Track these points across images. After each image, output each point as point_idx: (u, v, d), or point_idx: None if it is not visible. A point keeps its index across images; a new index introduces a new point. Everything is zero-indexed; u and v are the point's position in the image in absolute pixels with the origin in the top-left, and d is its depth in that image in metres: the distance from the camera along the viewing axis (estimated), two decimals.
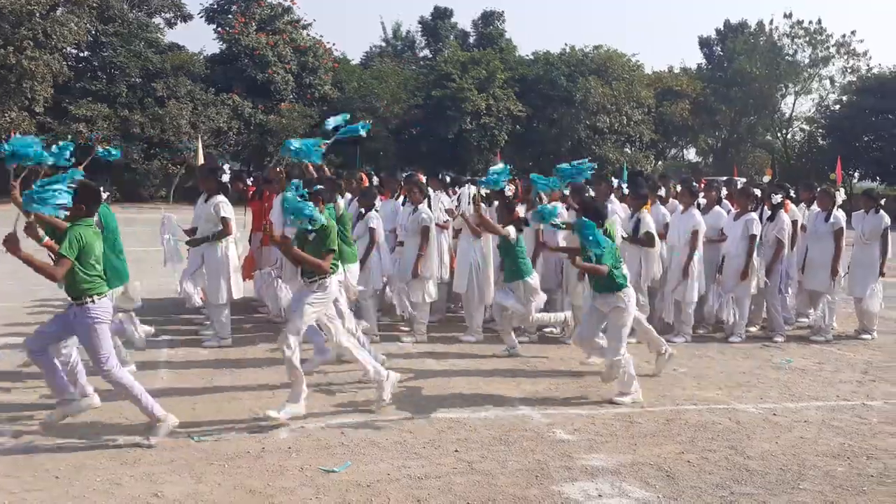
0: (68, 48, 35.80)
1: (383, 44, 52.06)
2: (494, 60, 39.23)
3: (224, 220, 7.46)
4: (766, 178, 24.75)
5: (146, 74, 36.05)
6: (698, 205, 8.79)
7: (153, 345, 7.45)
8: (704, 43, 49.43)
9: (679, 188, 9.00)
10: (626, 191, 8.93)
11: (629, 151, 42.14)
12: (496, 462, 4.71)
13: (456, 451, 4.89)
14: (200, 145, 26.16)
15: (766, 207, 9.01)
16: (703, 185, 9.90)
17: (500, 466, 4.64)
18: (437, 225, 8.48)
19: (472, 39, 47.27)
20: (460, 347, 7.89)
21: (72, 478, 4.22)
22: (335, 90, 39.44)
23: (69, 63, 35.68)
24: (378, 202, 8.33)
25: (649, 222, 8.29)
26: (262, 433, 5.06)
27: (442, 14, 48.25)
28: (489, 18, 46.73)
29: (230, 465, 4.48)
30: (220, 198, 7.59)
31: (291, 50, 38.68)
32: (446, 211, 8.64)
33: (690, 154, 51.51)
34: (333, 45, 43.33)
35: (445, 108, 37.16)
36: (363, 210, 8.07)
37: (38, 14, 32.36)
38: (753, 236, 8.48)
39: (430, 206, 8.34)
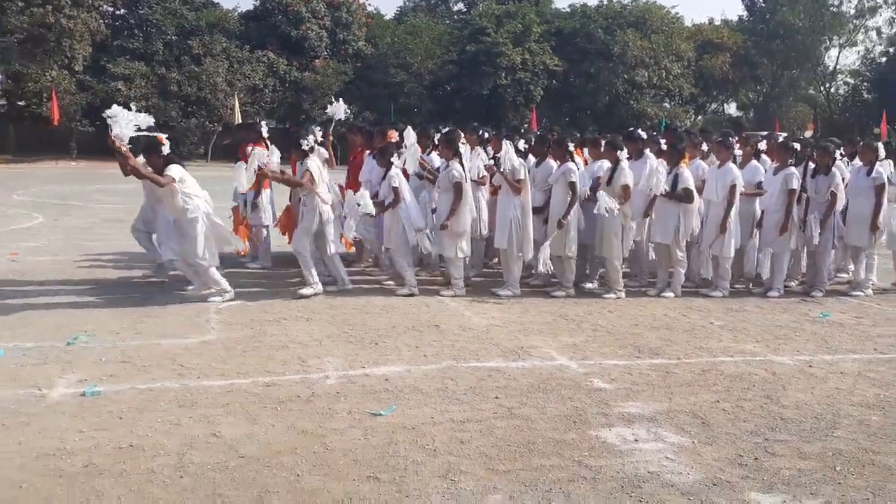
0: (105, 6, 36.15)
1: None
2: (530, 14, 38.76)
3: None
4: (809, 133, 24.26)
5: (182, 32, 36.31)
6: (735, 159, 8.75)
7: (203, 297, 7.71)
8: None
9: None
10: (664, 146, 8.91)
11: (668, 106, 41.60)
12: (535, 408, 4.87)
13: (496, 397, 5.06)
14: (237, 103, 26.31)
15: (809, 162, 8.94)
16: (741, 140, 9.82)
17: (538, 412, 4.80)
18: (473, 180, 8.55)
19: None
20: (498, 301, 8.03)
21: (134, 419, 4.48)
22: (369, 46, 39.32)
23: (106, 21, 36.04)
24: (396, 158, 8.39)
25: (688, 178, 8.30)
26: (311, 380, 5.28)
27: None
28: None
29: (282, 408, 4.70)
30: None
31: (325, 5, 38.57)
32: (485, 167, 8.70)
33: (731, 109, 50.63)
34: (367, 0, 43.11)
35: (480, 64, 36.91)
36: (385, 169, 8.19)
37: None
38: (793, 191, 8.44)
39: (461, 162, 8.38)
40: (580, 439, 4.38)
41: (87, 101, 33.36)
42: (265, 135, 9.67)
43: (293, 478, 3.79)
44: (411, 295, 8.14)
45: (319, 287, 8.03)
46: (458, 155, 8.23)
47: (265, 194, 9.52)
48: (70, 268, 9.24)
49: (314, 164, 8.05)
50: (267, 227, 9.72)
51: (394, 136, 9.38)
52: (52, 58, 32.95)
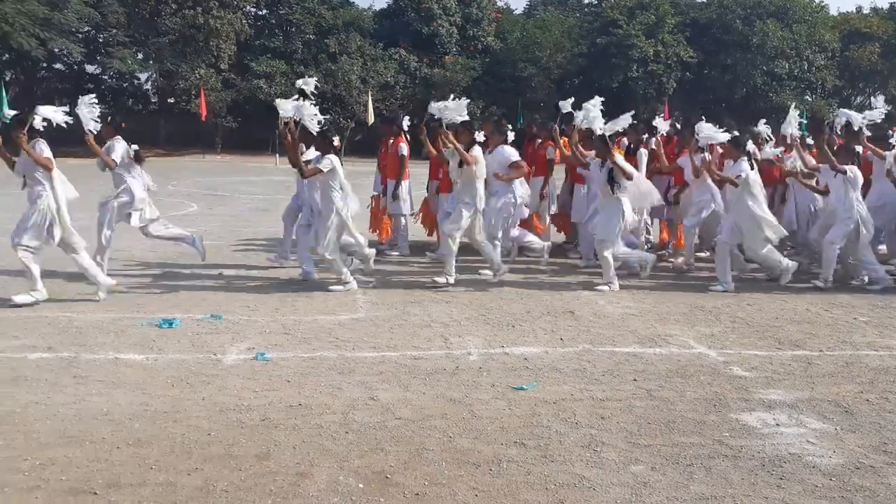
0: (249, 7, 38.11)
1: None
2: (664, 5, 37.91)
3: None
4: None
5: (319, 31, 37.75)
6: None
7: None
8: None
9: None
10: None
11: (810, 99, 39.67)
12: (674, 391, 4.99)
13: (634, 380, 5.21)
14: (370, 100, 27.06)
15: None
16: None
17: (677, 395, 4.92)
18: None
19: None
20: (632, 292, 8.09)
21: (300, 382, 4.94)
22: (498, 41, 39.60)
23: (250, 21, 38.00)
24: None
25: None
26: (454, 355, 5.60)
27: None
28: None
29: (430, 379, 5.05)
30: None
31: (456, 2, 39.12)
32: None
33: (879, 102, 47.53)
34: None
35: (610, 56, 36.46)
36: None
37: None
38: None
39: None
40: (720, 421, 4.48)
41: (231, 97, 35.29)
42: (405, 128, 10.15)
43: (446, 438, 4.11)
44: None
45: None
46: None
47: (405, 185, 9.95)
48: (227, 251, 10.00)
49: None
50: (405, 216, 10.16)
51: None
52: (200, 57, 35.07)
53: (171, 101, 36.98)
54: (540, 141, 10.16)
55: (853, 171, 8.22)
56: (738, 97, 37.85)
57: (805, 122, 12.83)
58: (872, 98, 47.30)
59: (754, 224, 8.06)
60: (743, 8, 38.47)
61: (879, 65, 40.03)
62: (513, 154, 8.59)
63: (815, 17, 39.27)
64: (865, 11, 43.96)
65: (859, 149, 8.62)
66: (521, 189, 8.73)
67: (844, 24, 40.79)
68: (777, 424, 4.44)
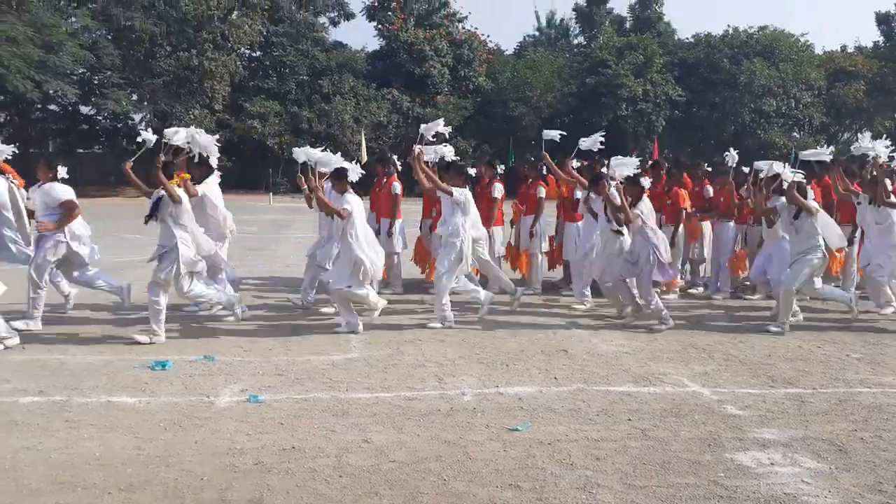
0: (243, 49, 38.56)
1: (537, 33, 52.22)
2: (652, 45, 38.54)
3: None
4: None
5: (313, 72, 38.16)
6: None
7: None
8: (882, 19, 46.06)
9: None
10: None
11: (798, 136, 40.16)
12: (668, 431, 4.98)
13: (629, 419, 5.20)
14: (364, 139, 27.30)
15: None
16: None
17: (672, 435, 4.91)
18: None
19: (628, 24, 46.50)
20: (626, 330, 8.12)
21: (294, 425, 4.91)
22: (489, 81, 40.08)
23: (244, 63, 38.42)
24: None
25: None
26: (448, 395, 5.59)
27: (597, 0, 47.69)
28: (646, 2, 45.78)
29: (425, 420, 5.03)
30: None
31: (447, 43, 39.68)
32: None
33: (865, 138, 48.14)
34: (488, 36, 44.12)
35: (600, 96, 36.92)
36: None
37: (216, 18, 35.03)
38: None
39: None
40: (715, 461, 4.47)
41: (225, 137, 35.52)
42: (399, 167, 10.30)
43: (440, 482, 4.09)
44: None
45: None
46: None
47: (398, 223, 10.01)
48: None
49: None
50: (398, 254, 10.19)
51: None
52: (194, 98, 35.36)
53: (166, 140, 37.12)
54: (531, 180, 10.31)
55: (463, 193, 8.01)
56: (727, 134, 38.28)
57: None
58: (859, 134, 47.85)
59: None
60: (730, 47, 39.13)
61: (865, 102, 40.60)
62: (64, 192, 7.76)
63: (801, 56, 39.94)
64: (850, 50, 44.72)
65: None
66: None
67: (830, 63, 41.45)
68: (772, 464, 4.44)
